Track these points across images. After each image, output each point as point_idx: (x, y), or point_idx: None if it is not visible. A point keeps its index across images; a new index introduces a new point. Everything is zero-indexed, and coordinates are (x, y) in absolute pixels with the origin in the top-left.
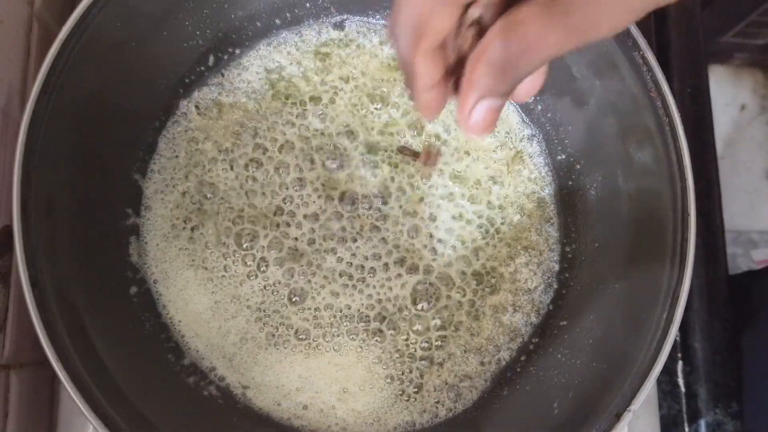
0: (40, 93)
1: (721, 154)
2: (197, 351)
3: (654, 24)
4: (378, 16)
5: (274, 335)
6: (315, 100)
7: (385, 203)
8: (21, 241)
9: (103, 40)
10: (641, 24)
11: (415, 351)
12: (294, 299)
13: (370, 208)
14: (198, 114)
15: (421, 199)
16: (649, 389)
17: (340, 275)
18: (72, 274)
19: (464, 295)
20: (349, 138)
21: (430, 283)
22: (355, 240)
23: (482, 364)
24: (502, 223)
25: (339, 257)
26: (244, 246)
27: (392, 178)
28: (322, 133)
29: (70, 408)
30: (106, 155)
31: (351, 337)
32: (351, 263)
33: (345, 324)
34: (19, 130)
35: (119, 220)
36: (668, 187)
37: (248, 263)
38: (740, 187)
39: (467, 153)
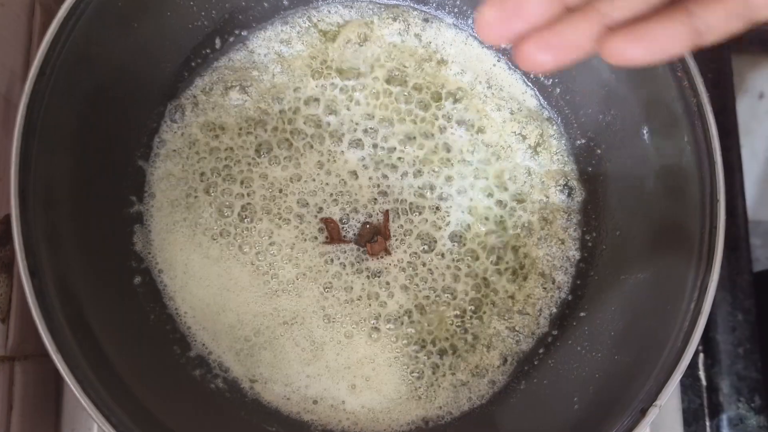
0: (38, 75)
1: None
2: (203, 344)
3: None
4: None
5: (283, 328)
6: (324, 82)
7: (404, 189)
8: (19, 230)
9: (103, 21)
10: None
11: (429, 345)
12: (304, 292)
13: (390, 194)
14: (204, 97)
15: (441, 186)
16: (676, 383)
17: (353, 268)
18: (73, 263)
19: (479, 286)
20: (368, 122)
21: (446, 274)
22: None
23: (498, 357)
24: (520, 211)
25: (351, 248)
26: (254, 236)
27: (410, 164)
28: (337, 120)
29: (75, 399)
30: (109, 140)
31: (363, 331)
32: (364, 253)
33: (357, 318)
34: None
35: (123, 208)
36: (695, 172)
37: (258, 254)
38: (759, 177)
39: (484, 134)
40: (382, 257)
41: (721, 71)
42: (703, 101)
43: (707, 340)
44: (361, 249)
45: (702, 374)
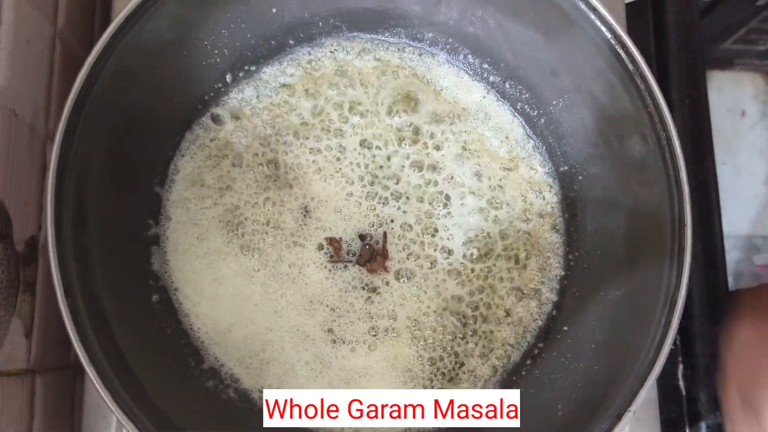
0: (70, 114)
1: (722, 159)
2: (216, 357)
3: (653, 34)
4: (387, 34)
5: (290, 346)
6: (328, 114)
7: (402, 210)
8: (55, 254)
9: (128, 64)
10: (641, 34)
11: (425, 360)
12: (310, 311)
13: (388, 215)
14: (215, 128)
15: (429, 204)
16: (648, 390)
17: (355, 286)
18: (100, 283)
19: (470, 301)
20: (367, 149)
21: (442, 291)
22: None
23: (490, 368)
24: (508, 232)
25: (357, 271)
26: (263, 256)
27: (407, 187)
28: (339, 146)
29: (93, 410)
30: (130, 170)
31: (363, 345)
32: (365, 272)
33: (359, 334)
34: (52, 152)
35: (142, 231)
36: (666, 199)
37: (266, 274)
38: (742, 193)
39: (477, 160)
40: (381, 275)
41: (697, 96)
42: (672, 135)
43: (687, 352)
44: (362, 268)
45: (681, 384)
